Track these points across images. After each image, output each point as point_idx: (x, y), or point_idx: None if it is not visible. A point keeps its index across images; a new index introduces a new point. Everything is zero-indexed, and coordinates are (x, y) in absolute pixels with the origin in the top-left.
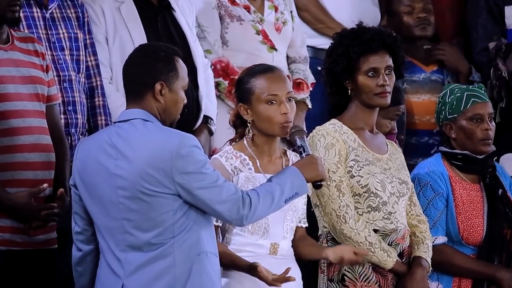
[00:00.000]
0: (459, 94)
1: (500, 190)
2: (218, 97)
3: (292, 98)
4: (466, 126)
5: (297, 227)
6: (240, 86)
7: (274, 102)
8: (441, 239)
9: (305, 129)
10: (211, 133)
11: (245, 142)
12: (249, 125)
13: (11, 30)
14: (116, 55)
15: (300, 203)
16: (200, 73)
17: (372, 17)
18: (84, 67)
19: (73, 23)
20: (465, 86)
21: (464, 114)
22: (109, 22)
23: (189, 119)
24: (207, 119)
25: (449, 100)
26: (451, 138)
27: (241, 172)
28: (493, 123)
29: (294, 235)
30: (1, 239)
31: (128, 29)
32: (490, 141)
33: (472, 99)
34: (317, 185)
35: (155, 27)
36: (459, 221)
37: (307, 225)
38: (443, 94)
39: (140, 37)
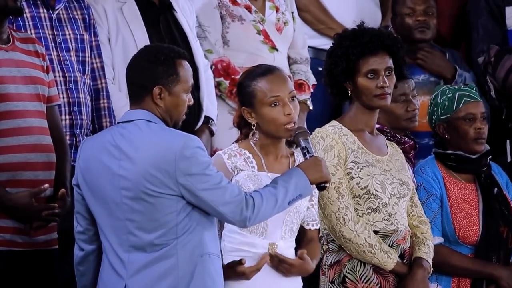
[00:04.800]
0: (451, 95)
1: (496, 189)
2: (219, 97)
3: (295, 97)
4: (459, 126)
5: (304, 229)
6: (241, 90)
7: (278, 103)
8: (437, 240)
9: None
10: (212, 133)
11: (251, 141)
12: (253, 128)
13: (12, 30)
14: (119, 56)
15: (302, 205)
16: (201, 74)
17: (373, 17)
18: (90, 69)
19: (79, 24)
20: (456, 87)
21: (457, 114)
22: (112, 23)
23: (191, 119)
24: (208, 119)
25: (441, 100)
26: (444, 139)
27: (242, 171)
28: (486, 122)
29: (302, 237)
30: (2, 240)
31: (131, 29)
32: (483, 140)
33: (464, 98)
34: (321, 186)
35: (157, 28)
36: (454, 220)
37: (316, 227)
38: (434, 96)
39: (142, 38)
